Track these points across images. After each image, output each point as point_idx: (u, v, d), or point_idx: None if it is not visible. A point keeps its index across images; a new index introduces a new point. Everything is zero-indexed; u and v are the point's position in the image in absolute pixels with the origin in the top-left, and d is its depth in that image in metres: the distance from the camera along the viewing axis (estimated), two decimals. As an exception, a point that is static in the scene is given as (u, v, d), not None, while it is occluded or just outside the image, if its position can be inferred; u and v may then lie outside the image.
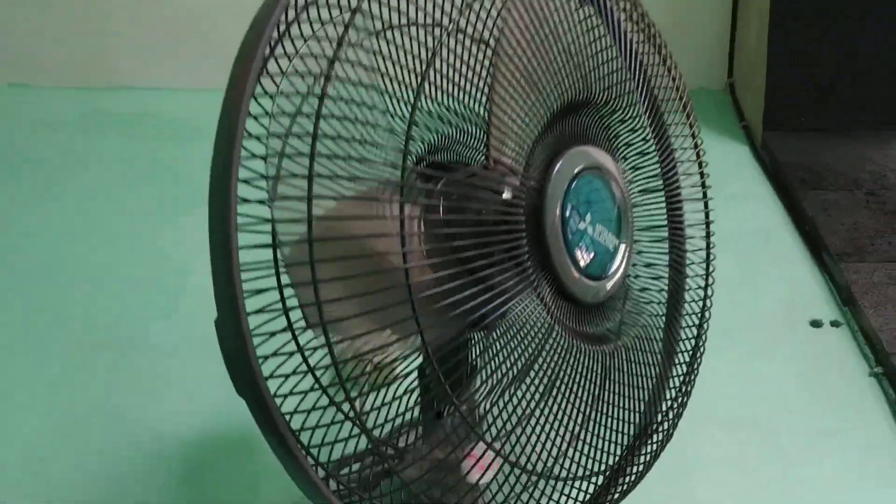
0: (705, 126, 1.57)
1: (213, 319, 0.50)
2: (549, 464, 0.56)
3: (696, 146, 0.70)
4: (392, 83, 0.60)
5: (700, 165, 0.71)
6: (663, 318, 0.67)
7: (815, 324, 1.13)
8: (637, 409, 0.64)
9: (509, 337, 0.57)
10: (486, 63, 0.57)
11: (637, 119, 0.65)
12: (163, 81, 1.66)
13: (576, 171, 0.59)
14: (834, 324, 1.13)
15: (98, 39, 1.65)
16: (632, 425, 0.64)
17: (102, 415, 0.96)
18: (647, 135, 0.65)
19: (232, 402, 0.92)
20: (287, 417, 0.54)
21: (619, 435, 0.63)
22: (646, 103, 0.65)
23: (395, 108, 0.60)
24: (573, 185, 0.58)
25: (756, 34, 1.55)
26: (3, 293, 1.13)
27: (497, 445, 0.55)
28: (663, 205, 0.68)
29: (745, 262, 1.24)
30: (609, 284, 0.61)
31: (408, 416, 0.60)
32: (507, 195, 0.57)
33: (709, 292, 0.73)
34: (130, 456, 0.91)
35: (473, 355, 0.61)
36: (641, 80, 0.65)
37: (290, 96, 0.53)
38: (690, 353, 0.69)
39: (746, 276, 1.21)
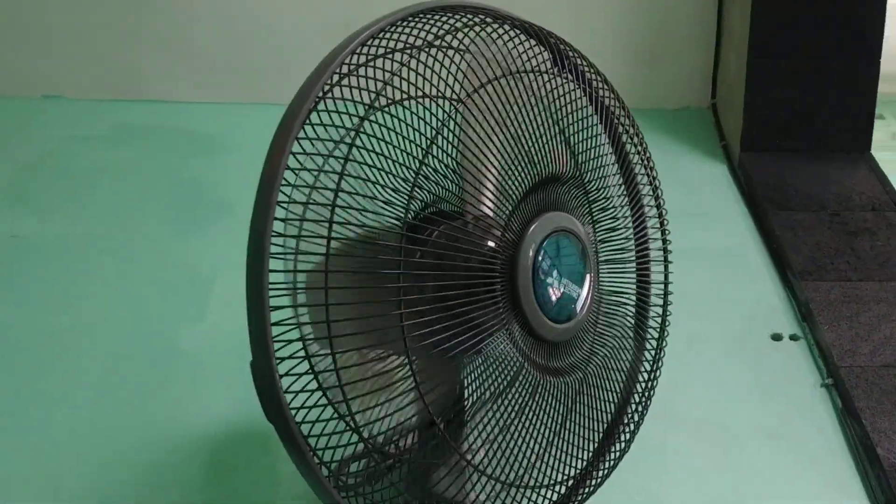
0: (689, 144, 1.71)
1: (249, 362, 0.63)
2: (519, 474, 0.69)
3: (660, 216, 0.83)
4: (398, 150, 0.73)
5: (663, 233, 0.84)
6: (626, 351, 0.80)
7: (776, 337, 1.26)
8: (599, 430, 0.77)
9: (483, 368, 0.70)
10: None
11: (607, 200, 0.78)
12: (191, 95, 1.77)
13: (549, 231, 0.72)
14: (793, 337, 1.26)
15: (129, 53, 1.76)
16: (594, 443, 0.78)
17: (136, 419, 1.08)
18: (616, 213, 0.78)
19: (255, 405, 1.05)
20: (304, 430, 0.66)
21: (582, 451, 0.77)
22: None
23: (398, 171, 0.73)
24: (545, 241, 0.71)
25: (735, 60, 1.67)
26: (37, 304, 1.25)
27: (469, 457, 0.68)
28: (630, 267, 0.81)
29: (714, 277, 1.36)
30: (572, 325, 0.74)
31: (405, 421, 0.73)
32: (491, 244, 0.70)
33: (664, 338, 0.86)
34: (162, 457, 1.03)
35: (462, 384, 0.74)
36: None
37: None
38: (648, 376, 0.82)
39: (715, 290, 1.34)
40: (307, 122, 0.64)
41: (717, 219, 1.50)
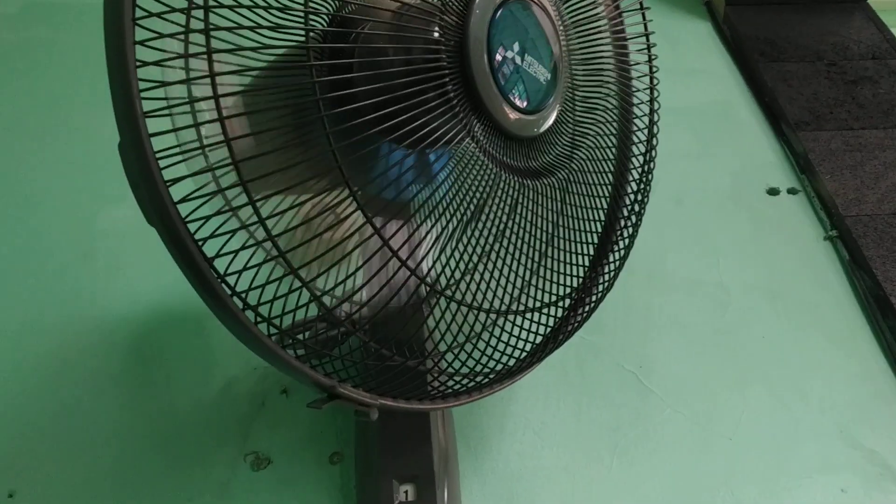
0: (669, 4, 1.56)
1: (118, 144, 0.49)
2: (507, 302, 0.56)
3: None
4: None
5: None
6: (612, 137, 0.66)
7: (773, 191, 1.13)
8: (591, 241, 0.64)
9: (448, 189, 0.56)
10: None
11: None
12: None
13: (497, 1, 0.57)
14: (791, 191, 1.13)
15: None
16: (586, 256, 0.64)
17: (53, 297, 0.95)
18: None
19: (184, 288, 0.92)
20: (210, 259, 0.53)
21: (575, 267, 0.63)
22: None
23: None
24: (497, 15, 0.56)
25: None
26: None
27: (449, 293, 0.54)
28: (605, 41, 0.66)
29: (702, 135, 1.23)
30: (548, 115, 0.59)
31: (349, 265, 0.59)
32: (435, 34, 0.56)
33: (655, 106, 0.71)
34: (83, 335, 0.91)
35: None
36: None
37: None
38: (640, 169, 0.68)
39: (704, 148, 1.21)
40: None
41: (703, 75, 1.36)
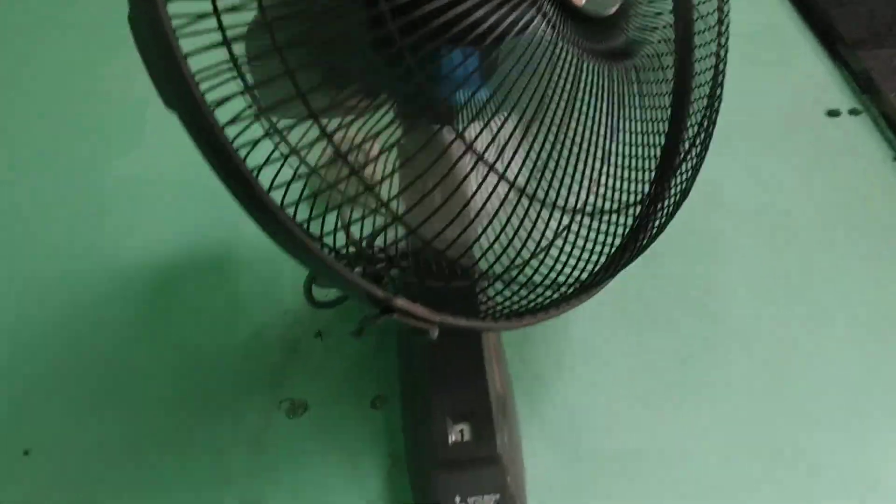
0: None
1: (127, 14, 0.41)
2: (585, 201, 0.48)
3: None
4: None
5: None
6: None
7: (833, 113, 1.04)
8: (662, 131, 0.56)
9: (512, 64, 0.47)
10: None
11: None
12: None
13: None
14: (853, 112, 1.04)
15: None
16: (655, 160, 0.56)
17: (66, 250, 0.88)
18: None
19: (201, 228, 0.84)
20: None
21: (648, 160, 0.55)
22: None
23: None
24: None
25: None
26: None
27: (511, 178, 0.46)
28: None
29: (752, 60, 1.14)
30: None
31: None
32: None
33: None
34: (99, 287, 0.84)
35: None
36: None
37: None
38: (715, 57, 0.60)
39: (755, 73, 1.12)
40: None
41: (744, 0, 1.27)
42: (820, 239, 0.88)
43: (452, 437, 0.64)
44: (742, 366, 0.77)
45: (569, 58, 0.48)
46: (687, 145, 0.58)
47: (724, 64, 0.62)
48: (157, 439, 0.72)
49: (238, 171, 0.41)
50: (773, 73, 1.13)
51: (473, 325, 0.52)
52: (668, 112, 0.56)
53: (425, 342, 0.48)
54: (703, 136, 0.59)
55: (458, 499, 0.63)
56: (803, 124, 1.03)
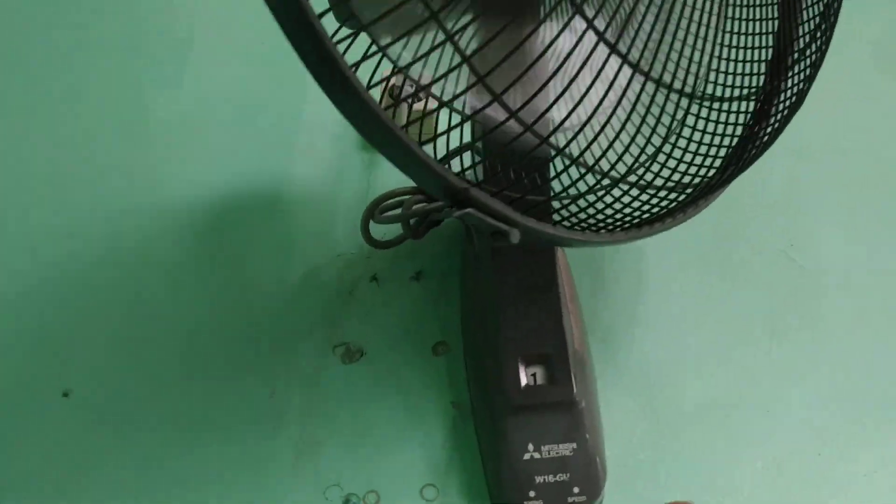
0: None
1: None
2: (690, 82, 0.42)
3: None
4: None
5: None
6: None
7: (924, 57, 0.97)
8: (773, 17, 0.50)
9: None
10: None
11: None
12: None
13: None
14: (945, 57, 0.97)
15: None
16: (768, 49, 0.50)
17: (107, 188, 0.84)
18: None
19: (249, 169, 0.79)
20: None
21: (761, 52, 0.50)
22: None
23: None
24: None
25: None
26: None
27: (624, 52, 0.40)
28: None
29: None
30: None
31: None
32: None
33: None
34: (143, 225, 0.79)
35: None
36: None
37: None
38: None
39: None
40: None
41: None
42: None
43: (524, 380, 0.59)
44: (838, 310, 0.71)
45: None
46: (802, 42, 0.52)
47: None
48: (203, 381, 0.68)
49: (323, 44, 0.36)
50: (853, 16, 1.05)
51: (569, 236, 0.46)
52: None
53: (506, 243, 0.42)
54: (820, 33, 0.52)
55: (530, 446, 0.58)
56: (893, 66, 0.96)
